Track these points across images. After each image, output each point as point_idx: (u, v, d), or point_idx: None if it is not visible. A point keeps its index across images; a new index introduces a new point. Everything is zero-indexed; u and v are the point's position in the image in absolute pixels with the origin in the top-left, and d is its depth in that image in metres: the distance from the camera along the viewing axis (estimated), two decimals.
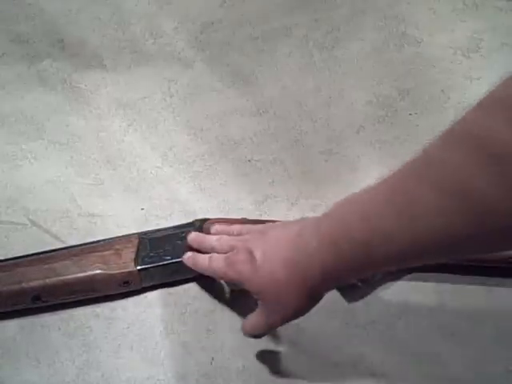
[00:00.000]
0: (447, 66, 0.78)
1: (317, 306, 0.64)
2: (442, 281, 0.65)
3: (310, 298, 0.52)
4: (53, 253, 0.63)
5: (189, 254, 0.61)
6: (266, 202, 0.70)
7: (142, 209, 0.69)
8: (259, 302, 0.55)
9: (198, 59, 0.79)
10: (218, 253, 0.58)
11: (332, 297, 0.65)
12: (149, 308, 0.64)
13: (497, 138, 0.35)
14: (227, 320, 0.64)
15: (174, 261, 0.62)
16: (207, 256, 0.59)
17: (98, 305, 0.64)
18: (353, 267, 0.47)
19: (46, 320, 0.63)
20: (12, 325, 0.62)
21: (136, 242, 0.63)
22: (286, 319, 0.54)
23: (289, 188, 0.71)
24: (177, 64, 0.79)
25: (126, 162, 0.73)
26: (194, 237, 0.62)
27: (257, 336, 0.57)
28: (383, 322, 0.64)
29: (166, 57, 0.79)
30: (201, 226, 0.64)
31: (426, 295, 0.65)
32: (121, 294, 0.64)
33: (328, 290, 0.53)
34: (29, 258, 0.62)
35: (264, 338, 0.62)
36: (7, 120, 0.75)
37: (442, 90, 0.77)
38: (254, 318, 0.56)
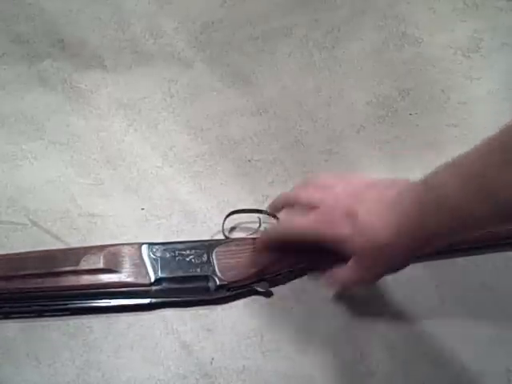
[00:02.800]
0: (447, 65, 0.78)
1: (318, 306, 0.64)
2: (443, 281, 0.65)
3: (408, 259, 0.55)
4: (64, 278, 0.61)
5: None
6: (266, 201, 0.70)
7: (143, 209, 0.69)
8: (354, 259, 0.56)
9: (198, 59, 0.79)
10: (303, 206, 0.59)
11: (332, 297, 0.65)
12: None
13: None
14: (227, 320, 0.64)
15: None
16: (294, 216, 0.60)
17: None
18: (452, 233, 0.51)
19: (46, 320, 0.63)
20: (12, 325, 0.62)
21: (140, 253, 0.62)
22: (381, 276, 0.57)
23: (289, 188, 0.71)
24: (177, 64, 0.79)
25: (126, 161, 0.73)
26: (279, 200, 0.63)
27: (346, 290, 0.60)
28: (383, 322, 0.64)
29: (166, 57, 0.79)
30: (212, 247, 0.63)
31: (427, 295, 0.65)
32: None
33: (426, 252, 0.56)
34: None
35: (263, 338, 0.62)
36: (7, 120, 0.75)
37: (442, 90, 0.77)
38: (348, 272, 0.57)
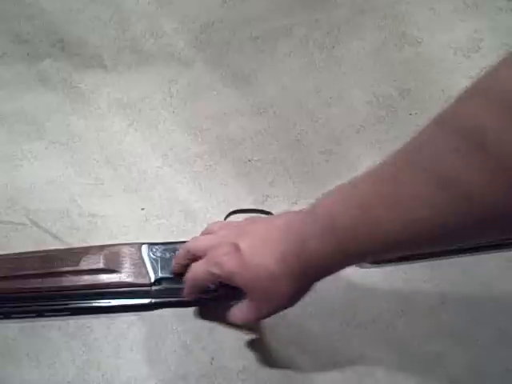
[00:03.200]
0: (447, 65, 0.78)
1: (317, 306, 0.64)
2: (443, 281, 0.65)
3: (303, 288, 0.53)
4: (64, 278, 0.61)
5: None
6: (266, 201, 0.70)
7: (143, 209, 0.69)
8: (249, 294, 0.55)
9: (199, 59, 0.79)
10: (192, 257, 0.58)
11: (332, 297, 0.65)
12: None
13: (483, 128, 0.36)
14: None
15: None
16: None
17: None
18: (344, 255, 0.48)
19: (46, 320, 0.63)
20: (12, 325, 0.62)
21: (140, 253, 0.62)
22: (279, 309, 0.55)
23: (289, 188, 0.71)
24: (177, 64, 0.79)
25: (127, 162, 0.73)
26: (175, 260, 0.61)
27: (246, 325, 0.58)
28: (383, 322, 0.64)
29: (166, 57, 0.79)
30: None
31: (427, 295, 0.65)
32: None
33: (320, 279, 0.52)
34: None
35: (264, 339, 0.62)
36: (7, 120, 0.75)
37: (443, 90, 0.77)
38: (244, 309, 0.56)
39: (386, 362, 0.60)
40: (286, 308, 0.55)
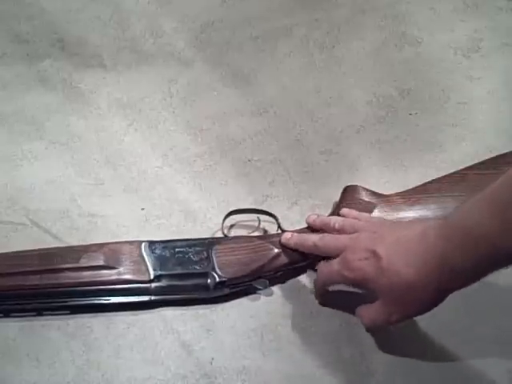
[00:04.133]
0: (447, 66, 0.78)
1: (317, 305, 0.64)
2: None
3: (438, 298, 0.54)
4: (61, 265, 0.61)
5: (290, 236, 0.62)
6: (266, 201, 0.70)
7: (143, 209, 0.69)
8: (382, 299, 0.56)
9: (198, 59, 0.79)
10: (321, 253, 0.60)
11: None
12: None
13: None
14: (227, 320, 0.64)
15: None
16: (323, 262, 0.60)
17: None
18: (478, 268, 0.50)
19: (46, 320, 0.63)
20: (13, 325, 0.62)
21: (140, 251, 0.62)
22: (409, 317, 0.56)
23: (289, 188, 0.71)
24: (177, 64, 0.79)
25: (126, 161, 0.73)
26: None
27: (373, 329, 0.59)
28: None
29: (166, 56, 0.79)
30: (212, 244, 0.63)
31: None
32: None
33: (454, 290, 0.53)
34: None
35: (263, 338, 0.62)
36: (7, 120, 0.75)
37: (442, 90, 0.77)
38: (374, 313, 0.57)
39: (386, 362, 0.60)
40: (415, 316, 0.56)
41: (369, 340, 0.62)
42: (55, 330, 0.62)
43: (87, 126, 0.74)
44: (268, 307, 0.64)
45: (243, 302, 0.65)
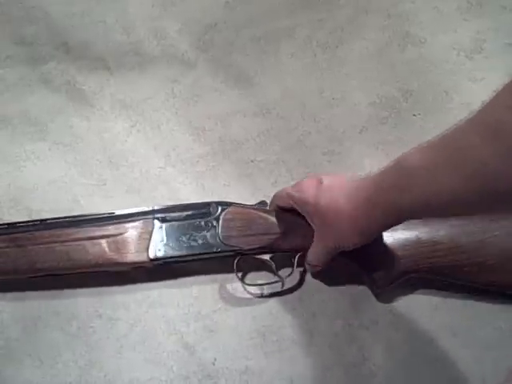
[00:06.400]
0: (450, 67, 0.78)
1: (319, 306, 0.64)
2: (443, 281, 0.64)
3: (359, 234, 0.57)
4: (68, 229, 0.63)
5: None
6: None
7: None
8: (316, 230, 0.60)
9: (201, 60, 0.79)
10: (295, 200, 0.64)
11: (334, 297, 0.65)
12: (151, 308, 0.64)
13: (506, 128, 0.44)
14: (230, 321, 0.64)
15: (188, 253, 0.62)
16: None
17: (100, 305, 0.64)
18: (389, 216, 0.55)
19: (48, 320, 0.63)
20: (15, 325, 0.62)
21: (150, 228, 0.63)
22: (339, 244, 0.59)
23: None
24: (180, 65, 0.79)
25: (129, 162, 0.73)
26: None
27: (318, 266, 0.62)
28: (385, 323, 0.64)
29: (169, 58, 0.79)
30: (216, 208, 0.64)
31: (428, 296, 0.65)
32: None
33: (379, 229, 0.58)
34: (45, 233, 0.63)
35: (265, 339, 0.62)
36: (11, 121, 0.75)
37: (446, 91, 0.76)
38: (313, 248, 0.62)
39: (387, 362, 0.60)
40: (344, 246, 0.59)
41: (371, 342, 0.62)
42: (58, 330, 0.62)
43: (90, 127, 0.75)
44: (271, 308, 0.64)
45: (246, 302, 0.65)
